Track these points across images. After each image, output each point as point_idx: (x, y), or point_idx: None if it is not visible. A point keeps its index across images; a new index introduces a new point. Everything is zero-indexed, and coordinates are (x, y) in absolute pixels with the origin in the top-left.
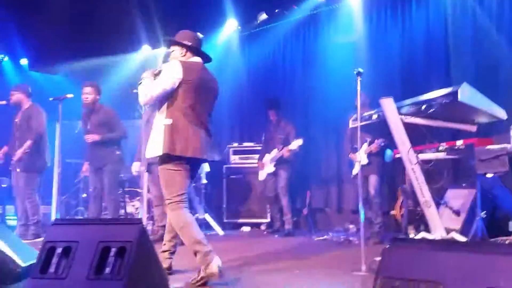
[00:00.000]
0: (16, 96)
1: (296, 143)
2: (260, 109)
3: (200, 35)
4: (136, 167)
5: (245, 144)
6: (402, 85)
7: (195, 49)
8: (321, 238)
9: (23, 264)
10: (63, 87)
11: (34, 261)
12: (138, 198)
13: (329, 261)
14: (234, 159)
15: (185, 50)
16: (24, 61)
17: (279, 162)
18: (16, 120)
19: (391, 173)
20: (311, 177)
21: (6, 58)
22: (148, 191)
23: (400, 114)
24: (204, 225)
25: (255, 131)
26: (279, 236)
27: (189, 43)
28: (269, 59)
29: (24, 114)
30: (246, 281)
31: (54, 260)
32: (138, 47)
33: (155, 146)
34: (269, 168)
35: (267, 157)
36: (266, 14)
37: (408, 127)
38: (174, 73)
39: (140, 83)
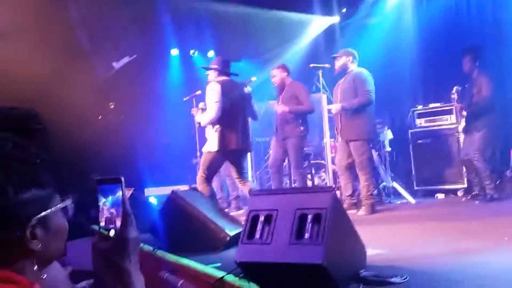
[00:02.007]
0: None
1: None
2: (444, 66)
3: (224, 58)
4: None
5: (431, 105)
6: None
7: (222, 71)
8: None
9: (230, 233)
10: (247, 71)
11: (239, 230)
12: (323, 169)
13: None
14: (420, 122)
15: (217, 72)
16: (211, 53)
17: (470, 122)
18: None
19: None
20: None
21: (196, 53)
22: (333, 162)
23: None
24: (393, 194)
25: (441, 90)
26: (480, 201)
27: (219, 67)
28: (450, 7)
29: None
30: (442, 249)
31: (259, 227)
32: (311, 21)
33: (211, 143)
34: (461, 126)
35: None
36: None
37: None
38: (217, 89)
39: (199, 123)
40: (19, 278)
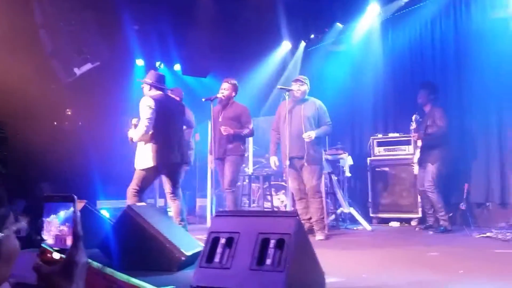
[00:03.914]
0: None
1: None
2: (405, 98)
3: (160, 73)
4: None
5: (391, 134)
6: None
7: (156, 85)
8: (483, 235)
9: (187, 253)
10: (213, 88)
11: (196, 250)
12: (283, 191)
13: (496, 260)
14: (379, 151)
15: (150, 86)
16: (177, 67)
17: (424, 152)
18: None
19: None
20: (469, 168)
21: (162, 65)
22: None
23: None
24: (349, 220)
25: (400, 121)
26: (434, 232)
27: (151, 81)
28: (415, 43)
29: None
30: (401, 279)
31: (219, 250)
32: (279, 44)
33: (146, 159)
34: (415, 157)
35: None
36: None
37: None
38: (150, 105)
39: (131, 139)
40: None
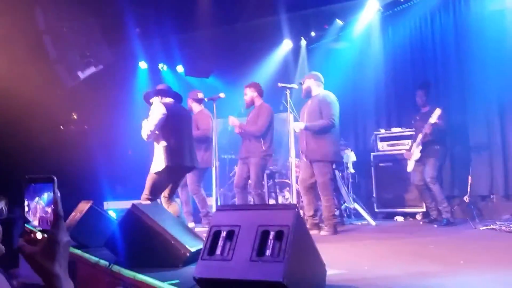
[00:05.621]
0: (188, 103)
1: (435, 115)
2: (408, 92)
3: (165, 84)
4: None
5: (393, 130)
6: None
7: (165, 93)
8: (487, 227)
9: (191, 249)
10: (216, 88)
11: (200, 246)
12: (287, 188)
13: (499, 252)
14: (382, 146)
15: (160, 97)
16: (180, 68)
17: (426, 148)
18: None
19: None
20: (472, 161)
21: (165, 67)
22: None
23: None
24: (354, 215)
25: (403, 116)
26: (438, 226)
27: (159, 91)
28: (415, 37)
29: (195, 118)
30: (401, 271)
31: (220, 243)
32: (280, 42)
33: (157, 162)
34: (416, 154)
35: (414, 146)
36: None
37: None
38: (162, 111)
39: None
40: None
